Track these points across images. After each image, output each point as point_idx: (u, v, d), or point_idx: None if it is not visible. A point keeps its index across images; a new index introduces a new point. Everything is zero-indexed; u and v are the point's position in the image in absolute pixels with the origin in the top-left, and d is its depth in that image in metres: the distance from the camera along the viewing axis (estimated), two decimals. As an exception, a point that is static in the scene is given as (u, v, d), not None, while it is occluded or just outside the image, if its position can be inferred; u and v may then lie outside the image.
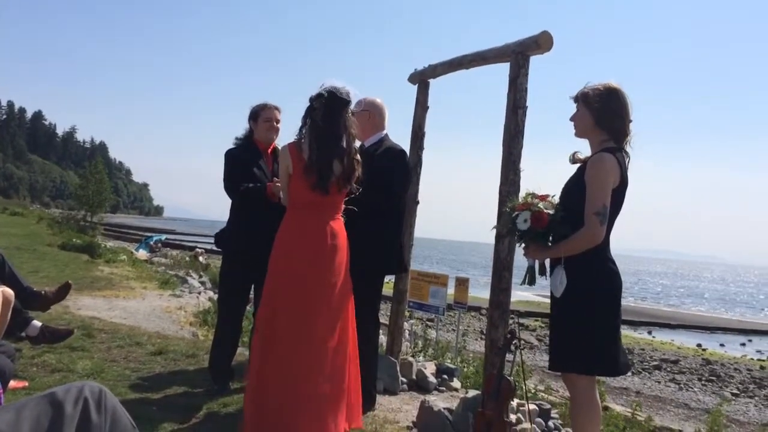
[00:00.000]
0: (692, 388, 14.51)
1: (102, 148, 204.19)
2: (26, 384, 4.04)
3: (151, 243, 29.08)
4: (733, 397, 13.66)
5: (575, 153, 3.24)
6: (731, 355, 20.20)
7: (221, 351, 4.50)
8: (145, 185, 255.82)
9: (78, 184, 35.46)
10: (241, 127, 4.62)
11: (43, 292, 4.87)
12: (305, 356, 3.29)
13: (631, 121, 3.08)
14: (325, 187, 3.34)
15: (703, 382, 15.18)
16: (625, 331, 23.02)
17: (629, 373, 14.93)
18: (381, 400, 4.50)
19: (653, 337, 23.52)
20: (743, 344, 23.91)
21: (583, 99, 3.10)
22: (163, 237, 37.13)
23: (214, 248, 4.96)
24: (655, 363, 16.97)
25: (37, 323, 4.70)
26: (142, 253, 22.80)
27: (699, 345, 21.89)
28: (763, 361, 19.60)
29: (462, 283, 8.61)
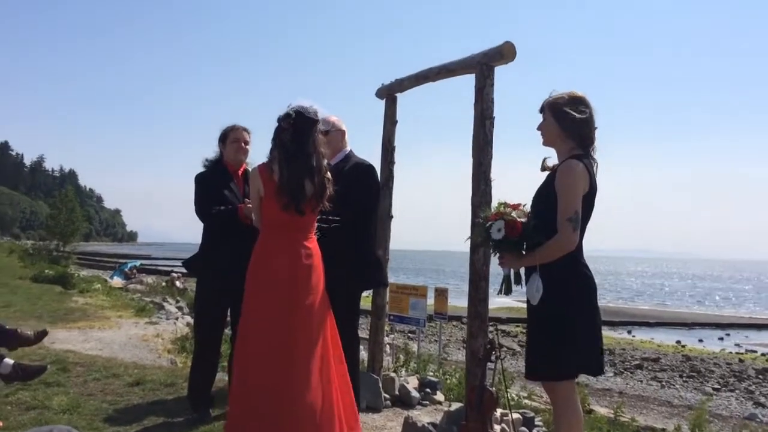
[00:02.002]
0: (674, 385, 14.66)
1: (72, 176, 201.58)
2: (1, 424, 3.94)
3: (126, 270, 28.60)
4: (714, 392, 13.83)
5: (545, 160, 3.26)
6: (710, 350, 20.48)
7: (200, 377, 4.43)
8: (118, 211, 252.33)
9: (49, 214, 34.91)
10: (212, 150, 4.59)
11: (19, 331, 4.74)
12: (287, 378, 3.25)
13: (596, 128, 3.11)
14: (299, 207, 3.33)
15: (684, 379, 15.35)
16: (605, 332, 23.15)
17: (611, 374, 15.07)
18: (364, 418, 4.46)
19: (633, 336, 23.76)
20: (721, 338, 24.27)
21: (548, 108, 3.13)
22: (138, 263, 36.50)
23: (192, 272, 4.91)
24: (636, 362, 17.12)
25: (9, 361, 4.57)
26: (117, 281, 22.44)
27: (678, 342, 22.16)
28: (742, 354, 19.91)
29: (441, 294, 8.62)
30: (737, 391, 14.15)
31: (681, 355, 18.91)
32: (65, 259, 26.89)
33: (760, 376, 15.82)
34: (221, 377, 4.94)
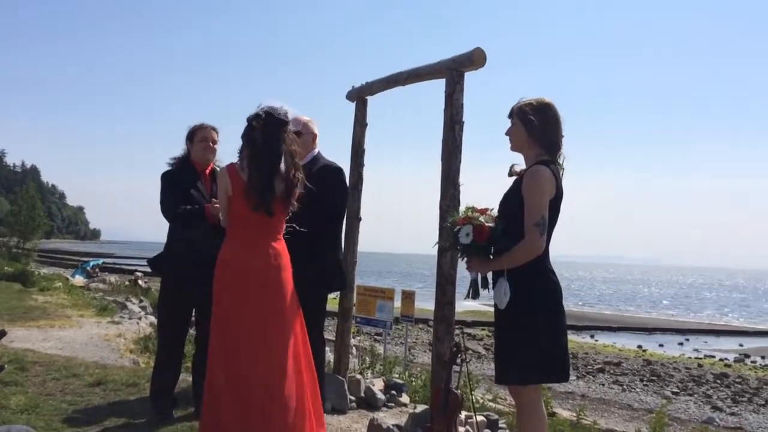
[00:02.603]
0: (635, 389, 14.91)
1: (34, 171, 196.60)
2: (-45, 424, 3.84)
3: (88, 268, 28.13)
4: (674, 396, 14.12)
5: (513, 166, 3.30)
6: (670, 355, 20.91)
7: (163, 378, 4.37)
8: (81, 208, 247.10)
9: (9, 210, 34.14)
10: (178, 148, 4.54)
11: None
12: (260, 378, 3.24)
13: (563, 135, 3.16)
14: (269, 208, 3.31)
15: (644, 383, 15.63)
16: (569, 336, 23.45)
17: (574, 377, 15.27)
18: (330, 419, 4.45)
19: (596, 340, 24.13)
20: (681, 344, 24.80)
21: (517, 114, 3.17)
22: (101, 261, 35.98)
23: (155, 272, 4.83)
24: (598, 366, 17.39)
25: (-35, 359, 4.47)
26: (79, 279, 22.03)
27: (639, 346, 22.57)
28: (701, 359, 20.36)
29: (408, 297, 8.64)
30: (696, 395, 14.46)
31: (642, 359, 19.26)
32: (25, 257, 26.35)
33: (718, 381, 16.20)
34: (185, 378, 4.88)
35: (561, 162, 3.16)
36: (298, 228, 3.71)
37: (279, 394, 3.23)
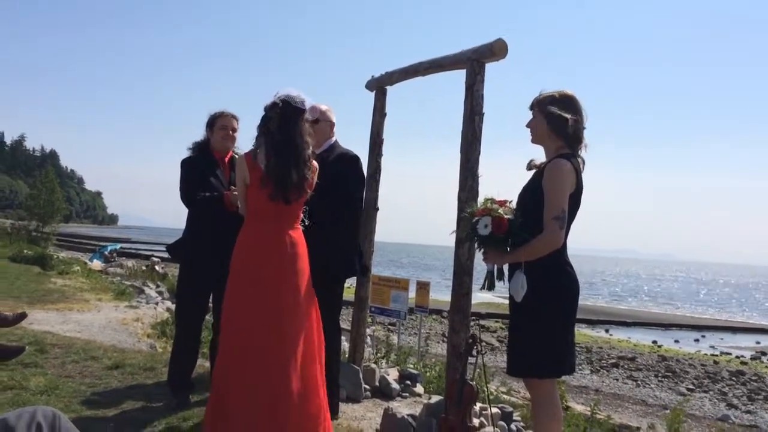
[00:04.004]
0: (649, 384, 14.84)
1: (53, 156, 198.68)
2: (-24, 404, 3.90)
3: (106, 253, 28.39)
4: (689, 392, 14.02)
5: (531, 161, 3.27)
6: (686, 351, 20.75)
7: (180, 363, 4.42)
8: (99, 193, 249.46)
9: (29, 194, 34.49)
10: (196, 134, 4.55)
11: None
12: (270, 366, 3.25)
13: (584, 128, 3.13)
14: (285, 196, 3.32)
15: (659, 379, 15.55)
16: (583, 330, 23.46)
17: (588, 371, 15.23)
18: (344, 408, 4.48)
19: (610, 335, 24.00)
20: (697, 340, 24.59)
21: (538, 106, 3.14)
22: (118, 246, 36.31)
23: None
24: (612, 361, 17.31)
25: (-14, 340, 4.54)
26: (97, 264, 22.24)
27: (655, 342, 22.43)
28: (717, 356, 20.19)
29: (423, 287, 8.65)
30: (711, 393, 14.37)
31: (657, 355, 19.15)
32: (44, 240, 26.62)
33: (734, 378, 16.07)
34: (201, 363, 4.93)
35: (582, 155, 3.14)
36: (314, 216, 3.71)
37: (286, 380, 3.22)
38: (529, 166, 3.26)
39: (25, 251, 16.02)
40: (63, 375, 4.84)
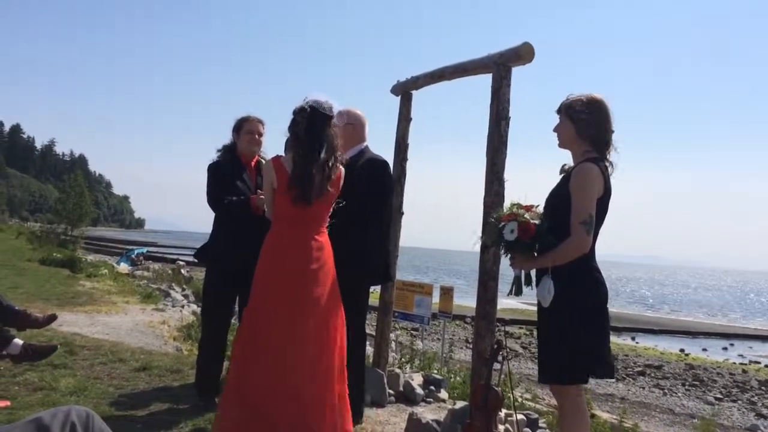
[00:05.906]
0: (676, 393, 14.62)
1: (81, 160, 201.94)
2: (8, 403, 3.97)
3: (133, 256, 28.79)
4: (717, 402, 13.79)
5: (564, 165, 3.24)
6: (714, 360, 20.39)
7: (207, 366, 4.46)
8: (126, 197, 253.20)
9: (58, 198, 35.01)
10: (223, 138, 4.59)
11: (28, 313, 4.77)
12: (292, 371, 3.26)
13: (612, 131, 3.11)
14: (308, 198, 3.33)
15: (686, 387, 15.31)
16: (610, 337, 23.16)
17: (614, 380, 15.04)
18: (368, 412, 4.48)
19: (637, 342, 23.68)
20: (725, 348, 24.16)
21: (565, 110, 3.12)
22: (145, 250, 36.76)
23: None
24: (639, 369, 17.08)
25: (18, 341, 4.61)
26: (124, 267, 22.55)
27: (682, 350, 22.08)
28: (745, 365, 19.82)
29: (447, 292, 8.60)
30: (740, 402, 14.11)
31: (684, 363, 18.85)
32: (73, 243, 26.99)
33: (763, 388, 15.76)
34: (227, 366, 4.96)
35: (611, 159, 3.11)
36: (341, 220, 3.72)
37: (303, 395, 3.22)
38: (562, 171, 3.24)
39: (55, 254, 16.25)
40: (91, 376, 4.91)
